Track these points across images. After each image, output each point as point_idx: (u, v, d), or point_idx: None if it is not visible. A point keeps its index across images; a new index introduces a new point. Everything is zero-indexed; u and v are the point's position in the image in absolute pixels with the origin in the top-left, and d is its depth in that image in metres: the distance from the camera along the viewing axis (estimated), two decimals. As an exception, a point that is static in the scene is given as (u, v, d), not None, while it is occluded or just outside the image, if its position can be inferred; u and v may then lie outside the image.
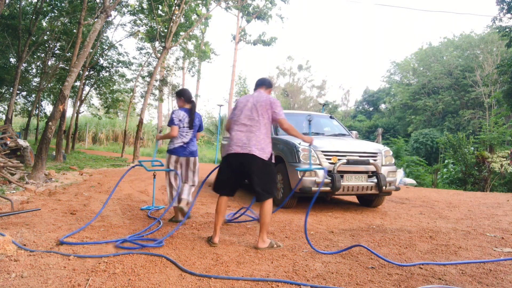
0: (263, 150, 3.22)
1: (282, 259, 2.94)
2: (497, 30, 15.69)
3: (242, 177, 3.36)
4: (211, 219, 4.37)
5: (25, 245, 2.98)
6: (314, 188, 4.78)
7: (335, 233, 3.88)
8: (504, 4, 14.37)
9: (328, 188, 4.80)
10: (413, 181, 12.53)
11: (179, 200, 4.07)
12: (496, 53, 27.44)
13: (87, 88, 19.84)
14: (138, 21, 16.90)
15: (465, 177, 11.69)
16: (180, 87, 24.78)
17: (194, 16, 16.40)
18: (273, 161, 3.34)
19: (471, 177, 11.51)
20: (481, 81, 27.31)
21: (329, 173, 4.83)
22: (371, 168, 5.01)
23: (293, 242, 3.46)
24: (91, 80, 19.29)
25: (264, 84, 3.55)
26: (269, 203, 3.23)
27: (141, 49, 18.90)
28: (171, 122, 4.16)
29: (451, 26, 69.07)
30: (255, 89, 3.57)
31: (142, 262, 2.72)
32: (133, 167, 4.48)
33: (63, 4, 15.26)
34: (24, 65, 17.69)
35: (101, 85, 19.95)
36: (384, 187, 4.96)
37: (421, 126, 30.45)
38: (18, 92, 19.45)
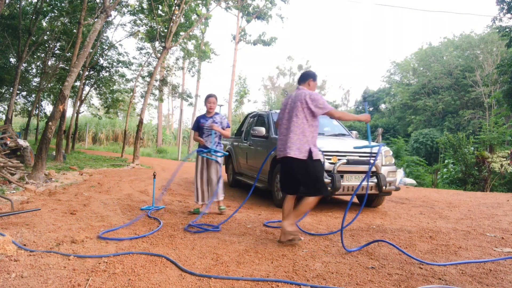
0: (299, 150, 3.22)
1: (282, 259, 2.94)
2: (497, 30, 15.68)
3: (294, 177, 3.35)
4: (211, 220, 4.37)
5: (25, 245, 2.98)
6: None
7: (336, 233, 3.88)
8: (504, 4, 14.37)
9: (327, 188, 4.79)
10: (413, 181, 12.53)
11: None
12: (496, 53, 27.43)
13: (87, 88, 19.85)
14: (138, 21, 16.91)
15: (465, 177, 11.69)
16: (180, 87, 24.79)
17: (194, 16, 16.39)
18: (315, 158, 3.27)
19: (471, 177, 11.51)
20: (481, 81, 27.30)
21: (329, 173, 4.84)
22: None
23: (293, 242, 3.46)
24: (91, 80, 19.30)
25: (304, 80, 3.47)
26: (315, 198, 3.27)
27: (141, 49, 18.92)
28: (228, 125, 4.84)
29: (451, 26, 69.11)
30: (297, 86, 3.54)
31: (142, 262, 2.72)
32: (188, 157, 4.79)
33: (63, 4, 15.26)
34: (24, 65, 17.69)
35: (101, 85, 19.96)
36: (384, 187, 4.96)
37: (421, 126, 30.44)
38: (18, 92, 19.45)
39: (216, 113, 4.81)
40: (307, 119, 3.27)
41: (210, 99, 4.75)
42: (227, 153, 5.44)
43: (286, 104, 3.42)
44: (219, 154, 4.60)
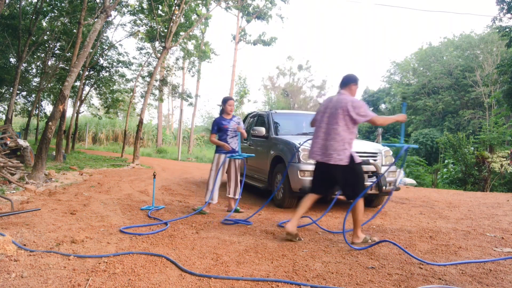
0: (340, 156, 3.28)
1: (282, 259, 2.94)
2: (497, 30, 15.67)
3: (331, 180, 3.47)
4: (211, 219, 4.37)
5: (25, 245, 2.98)
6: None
7: (335, 233, 3.88)
8: (504, 4, 14.35)
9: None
10: (413, 181, 12.52)
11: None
12: (496, 53, 27.42)
13: (87, 88, 19.82)
14: (138, 21, 16.89)
15: (465, 177, 11.69)
16: (180, 87, 24.79)
17: (194, 16, 16.37)
18: (356, 161, 3.38)
19: (471, 177, 11.51)
20: (481, 81, 27.29)
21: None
22: (371, 168, 5.01)
23: (293, 242, 3.46)
24: (91, 80, 19.28)
25: (346, 84, 3.49)
26: (360, 202, 3.34)
27: (141, 49, 18.89)
28: (244, 127, 5.03)
29: (451, 26, 69.11)
30: (339, 90, 3.54)
31: (142, 262, 2.72)
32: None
33: (63, 4, 15.25)
34: (24, 65, 17.69)
35: (101, 85, 19.94)
36: (384, 187, 4.96)
37: (421, 126, 30.45)
38: (18, 92, 19.43)
39: (233, 115, 4.95)
40: (348, 126, 3.31)
41: (230, 101, 4.88)
42: (253, 154, 5.50)
43: (326, 108, 3.45)
44: (245, 155, 4.92)
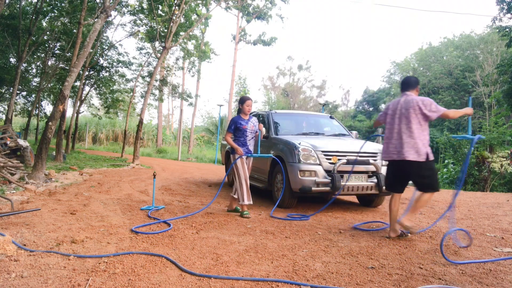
0: (418, 153, 3.49)
1: (282, 259, 2.94)
2: (497, 30, 15.67)
3: (406, 177, 3.73)
4: (211, 219, 4.37)
5: (25, 245, 2.98)
6: (314, 188, 4.78)
7: (335, 233, 3.88)
8: (504, 4, 14.35)
9: (327, 188, 4.80)
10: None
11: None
12: (496, 53, 27.43)
13: (87, 88, 19.84)
14: (138, 21, 16.89)
15: (465, 177, 11.68)
16: (180, 87, 24.79)
17: (194, 16, 16.37)
18: (431, 158, 3.53)
19: (471, 177, 11.50)
20: (481, 81, 27.30)
21: (329, 173, 4.84)
22: (371, 168, 5.01)
23: (293, 242, 3.46)
24: (91, 80, 19.29)
25: (409, 86, 3.73)
26: (430, 194, 3.59)
27: (141, 49, 18.90)
28: None
29: (451, 26, 69.08)
30: (402, 92, 3.77)
31: (142, 262, 2.72)
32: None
33: (63, 4, 15.25)
34: (24, 65, 17.69)
35: (101, 85, 19.95)
36: (384, 187, 4.96)
37: (421, 126, 30.43)
38: (18, 92, 19.44)
39: (250, 116, 4.88)
40: (421, 124, 3.52)
41: (248, 101, 4.77)
42: (271, 154, 5.50)
43: (395, 110, 3.69)
44: (264, 155, 5.02)
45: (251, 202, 4.67)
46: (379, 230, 4.07)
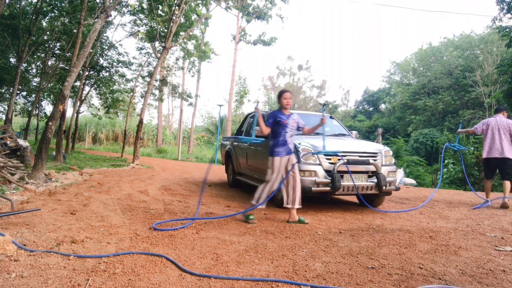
0: (510, 152, 5.69)
1: (282, 259, 2.94)
2: (497, 30, 15.67)
3: (497, 168, 5.93)
4: (211, 219, 4.37)
5: (25, 245, 2.98)
6: (314, 188, 4.78)
7: (335, 233, 3.88)
8: (504, 4, 14.34)
9: (328, 188, 4.80)
10: (413, 181, 12.53)
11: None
12: (496, 53, 27.42)
13: (87, 88, 19.84)
14: (138, 21, 16.89)
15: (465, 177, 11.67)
16: (180, 87, 24.78)
17: (194, 16, 16.37)
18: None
19: (471, 177, 11.49)
20: (481, 81, 27.29)
21: (329, 173, 4.83)
22: (371, 168, 5.01)
23: (293, 242, 3.46)
24: (91, 80, 19.29)
25: (500, 111, 5.94)
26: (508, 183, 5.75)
27: (141, 49, 18.90)
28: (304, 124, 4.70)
29: (451, 26, 69.10)
30: (495, 114, 5.97)
31: (142, 262, 2.72)
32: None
33: (63, 4, 15.26)
34: (24, 65, 17.69)
35: (101, 85, 19.95)
36: (384, 187, 4.96)
37: (421, 126, 30.45)
38: (18, 92, 19.44)
39: (291, 112, 4.44)
40: (509, 137, 5.79)
41: (286, 94, 4.32)
42: (340, 150, 5.24)
43: (489, 124, 5.87)
44: (330, 152, 4.75)
45: (295, 206, 4.33)
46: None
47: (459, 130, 6.58)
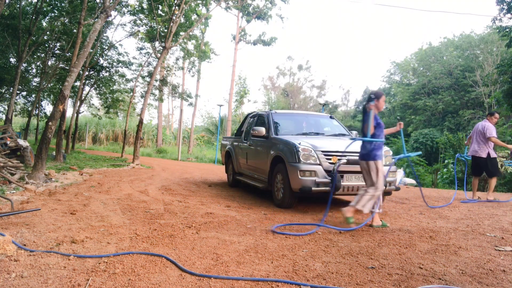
0: (482, 151, 6.47)
1: (282, 259, 2.94)
2: (497, 30, 15.67)
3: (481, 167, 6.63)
4: (211, 219, 4.37)
5: (25, 245, 2.98)
6: (314, 188, 4.78)
7: (335, 233, 3.88)
8: (504, 4, 14.34)
9: (328, 188, 4.80)
10: (413, 181, 12.52)
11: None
12: (496, 53, 27.42)
13: (87, 88, 19.84)
14: (138, 21, 16.90)
15: (465, 177, 11.66)
16: (180, 87, 24.78)
17: (194, 16, 16.37)
18: (492, 156, 6.41)
19: (471, 177, 11.49)
20: (481, 81, 27.29)
21: (329, 173, 4.83)
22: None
23: (293, 242, 3.46)
24: (91, 80, 19.29)
25: (491, 115, 6.58)
26: (494, 180, 6.62)
27: (141, 49, 18.91)
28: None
29: (451, 26, 69.12)
30: (486, 119, 6.59)
31: (142, 262, 2.72)
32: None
33: (63, 4, 15.26)
34: (24, 65, 17.69)
35: (101, 85, 19.95)
36: (384, 187, 4.95)
37: (421, 126, 30.44)
38: (18, 92, 19.44)
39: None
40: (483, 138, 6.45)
41: (384, 96, 4.29)
42: (419, 152, 5.55)
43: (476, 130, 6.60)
44: (412, 154, 4.90)
45: (380, 211, 4.30)
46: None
47: (467, 142, 7.25)
